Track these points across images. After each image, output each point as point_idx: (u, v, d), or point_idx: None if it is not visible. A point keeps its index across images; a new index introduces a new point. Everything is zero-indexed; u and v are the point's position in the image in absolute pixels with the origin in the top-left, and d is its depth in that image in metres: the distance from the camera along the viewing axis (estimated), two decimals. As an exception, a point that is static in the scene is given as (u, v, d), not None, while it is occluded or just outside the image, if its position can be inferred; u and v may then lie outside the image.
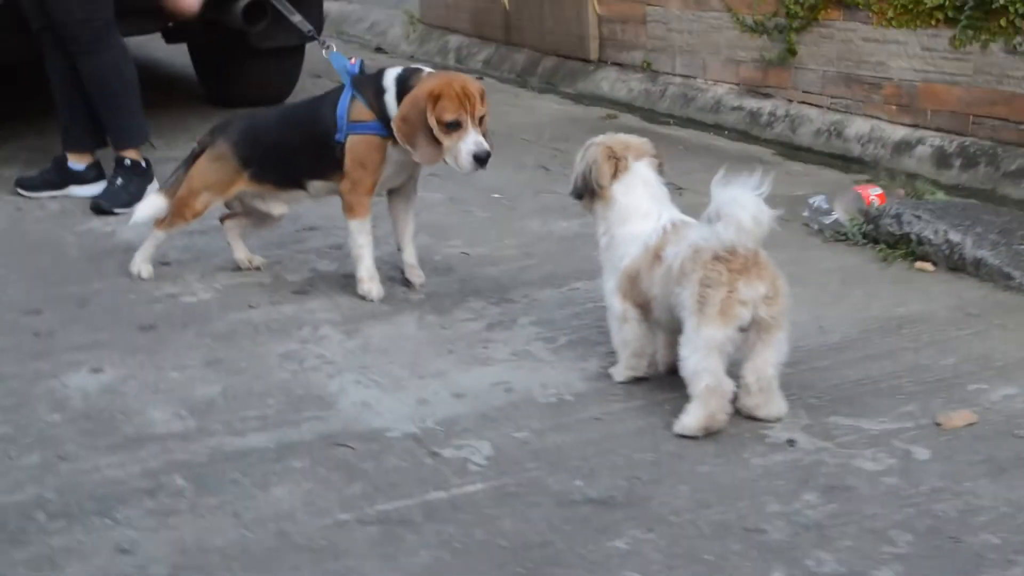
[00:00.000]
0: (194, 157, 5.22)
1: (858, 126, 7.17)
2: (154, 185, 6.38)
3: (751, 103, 7.91)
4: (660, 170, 4.20)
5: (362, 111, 4.85)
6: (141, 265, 5.33)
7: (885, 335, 4.49)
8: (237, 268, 5.38)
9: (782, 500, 3.38)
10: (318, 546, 3.25)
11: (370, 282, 5.01)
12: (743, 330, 3.72)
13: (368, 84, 4.89)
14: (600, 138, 4.25)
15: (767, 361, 3.77)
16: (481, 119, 4.69)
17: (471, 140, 4.63)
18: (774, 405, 3.84)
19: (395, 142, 4.78)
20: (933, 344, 4.40)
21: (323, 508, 3.43)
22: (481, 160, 4.64)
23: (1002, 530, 3.21)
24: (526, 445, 3.75)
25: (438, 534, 3.28)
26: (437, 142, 4.66)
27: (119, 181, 6.43)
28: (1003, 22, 6.30)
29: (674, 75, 8.65)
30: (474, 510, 3.39)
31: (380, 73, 4.91)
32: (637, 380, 4.14)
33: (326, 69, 10.54)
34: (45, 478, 3.65)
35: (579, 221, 5.83)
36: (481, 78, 9.88)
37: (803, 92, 7.64)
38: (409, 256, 5.17)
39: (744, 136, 7.70)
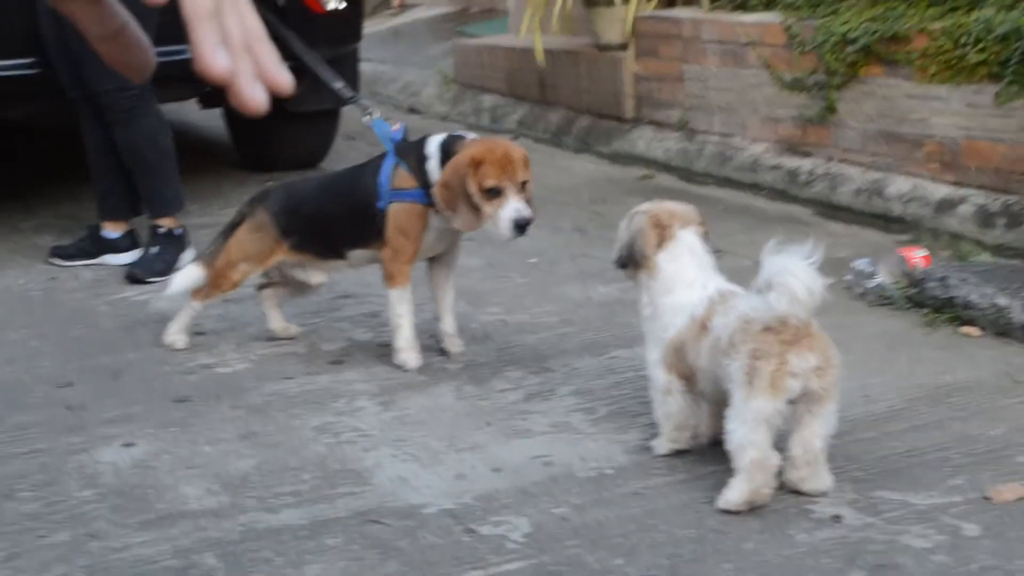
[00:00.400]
0: (233, 227, 5.19)
1: (899, 185, 7.08)
2: (190, 254, 6.36)
3: (790, 162, 7.84)
4: (706, 238, 4.12)
5: (405, 178, 4.80)
6: (176, 336, 5.28)
7: (932, 404, 4.39)
8: (272, 338, 5.32)
9: (829, 579, 3.29)
10: (353, 630, 3.17)
11: (408, 352, 4.95)
12: (792, 402, 3.63)
13: (411, 151, 4.84)
14: (645, 206, 4.16)
15: (815, 434, 3.68)
16: (524, 185, 4.63)
17: (511, 207, 4.57)
18: (820, 479, 3.74)
19: (437, 210, 4.74)
20: (981, 413, 4.30)
21: (358, 589, 3.35)
22: (521, 227, 4.57)
23: (1057, 611, 3.11)
24: (565, 522, 3.66)
25: (475, 617, 3.20)
26: (477, 209, 4.59)
27: (154, 250, 6.40)
28: (1047, 78, 6.22)
29: (711, 133, 8.59)
30: (513, 591, 3.31)
31: (423, 140, 4.86)
32: (679, 453, 4.05)
33: (360, 131, 10.53)
34: (74, 557, 3.59)
35: (618, 286, 5.75)
36: (516, 138, 9.86)
37: (843, 150, 7.56)
38: (448, 325, 5.10)
39: (782, 195, 7.62)
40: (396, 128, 4.97)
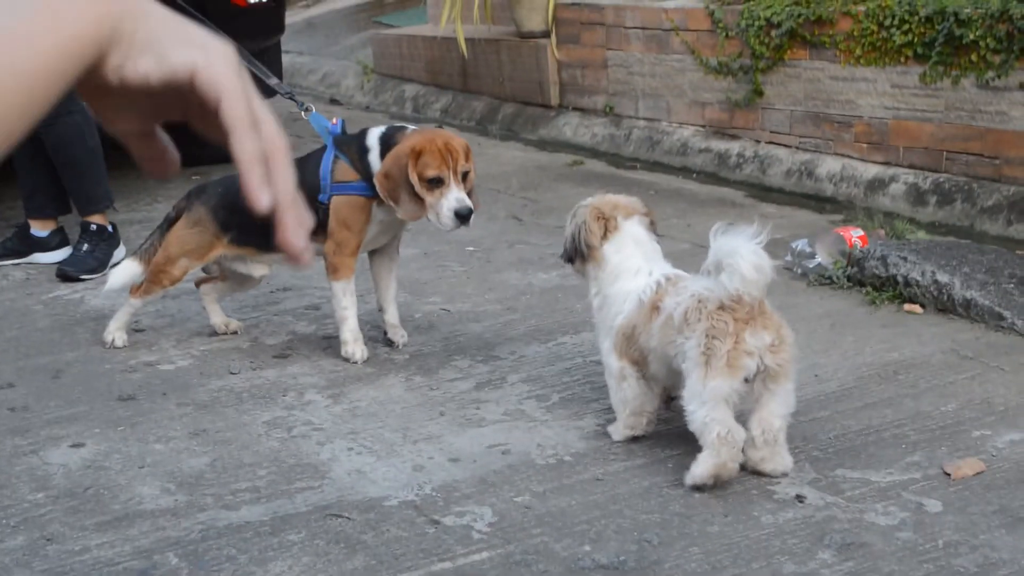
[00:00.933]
0: (169, 223, 5.11)
1: (829, 165, 7.14)
2: (121, 250, 6.28)
3: (719, 145, 7.88)
4: (651, 227, 4.14)
5: (346, 171, 4.76)
6: (115, 333, 5.21)
7: (882, 382, 4.42)
8: (214, 333, 5.27)
9: (797, 560, 3.30)
10: (324, 625, 3.14)
11: (354, 344, 4.92)
12: (748, 381, 3.64)
13: (351, 144, 4.80)
14: (589, 200, 4.18)
15: (773, 413, 3.70)
16: (465, 175, 4.60)
17: (453, 197, 4.54)
18: (780, 459, 3.76)
19: (380, 202, 4.70)
20: (932, 390, 4.34)
21: (325, 584, 3.32)
22: (463, 217, 4.54)
23: (1025, 583, 3.14)
24: (529, 510, 3.65)
25: (448, 608, 3.18)
26: (419, 199, 4.56)
27: (85, 247, 6.31)
28: (974, 57, 6.29)
29: (638, 119, 8.61)
30: (482, 581, 3.29)
31: (363, 133, 4.82)
32: (636, 438, 4.05)
33: (284, 123, 10.50)
34: (33, 562, 3.52)
35: (558, 273, 5.76)
36: (440, 126, 9.83)
37: (771, 132, 7.61)
38: (391, 316, 5.08)
39: (713, 178, 7.66)
40: (335, 122, 4.92)
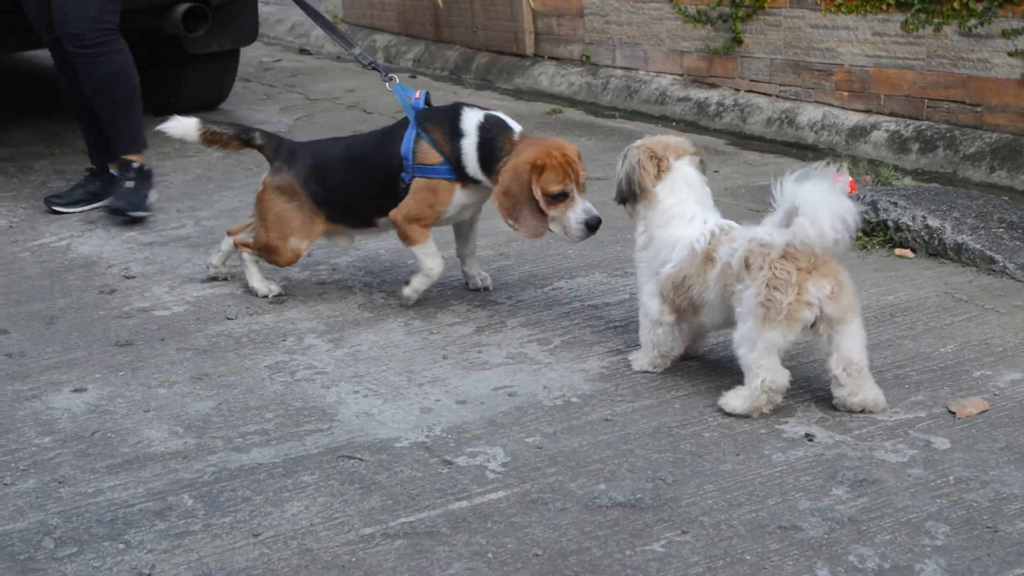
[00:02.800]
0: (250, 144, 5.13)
1: (810, 113, 7.17)
2: (154, 193, 6.29)
3: (698, 93, 7.90)
4: (702, 168, 4.15)
5: (429, 153, 4.67)
6: (261, 286, 5.13)
7: (880, 324, 4.47)
8: (210, 279, 5.27)
9: (812, 496, 3.34)
10: (346, 562, 3.16)
11: (417, 292, 4.89)
12: (804, 331, 3.68)
13: (436, 122, 4.70)
14: (640, 141, 4.17)
15: (851, 349, 3.71)
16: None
17: (580, 209, 4.48)
18: (869, 391, 3.78)
19: (464, 184, 4.66)
20: (929, 331, 4.38)
21: (343, 523, 3.34)
22: (592, 227, 4.49)
23: (1038, 517, 3.20)
24: (540, 450, 3.68)
25: (468, 545, 3.20)
26: (542, 213, 4.49)
27: (129, 184, 6.24)
28: (956, 4, 6.33)
29: (615, 67, 8.62)
30: (501, 519, 3.31)
31: (456, 113, 4.69)
32: (644, 377, 4.11)
33: (256, 73, 10.46)
34: (46, 504, 3.52)
35: (548, 219, 5.78)
36: (414, 76, 9.83)
37: (751, 81, 7.64)
38: (471, 268, 5.06)
39: (693, 127, 7.69)
40: (418, 96, 4.82)
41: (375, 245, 5.61)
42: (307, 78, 10.32)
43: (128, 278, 5.35)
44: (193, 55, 8.13)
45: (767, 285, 3.63)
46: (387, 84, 5.02)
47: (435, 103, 4.90)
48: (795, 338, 3.68)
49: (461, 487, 3.49)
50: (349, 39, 5.51)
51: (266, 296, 5.09)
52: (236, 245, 5.17)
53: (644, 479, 3.47)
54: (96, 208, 6.42)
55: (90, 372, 4.42)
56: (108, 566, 3.20)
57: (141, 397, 4.20)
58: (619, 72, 8.54)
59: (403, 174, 4.70)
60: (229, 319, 4.85)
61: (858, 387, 3.76)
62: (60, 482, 3.64)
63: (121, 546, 3.29)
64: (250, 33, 8.49)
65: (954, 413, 3.76)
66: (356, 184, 4.83)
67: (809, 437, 3.66)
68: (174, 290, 5.21)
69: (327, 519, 3.36)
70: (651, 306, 4.07)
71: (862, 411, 3.78)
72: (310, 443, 3.80)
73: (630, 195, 4.11)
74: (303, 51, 11.55)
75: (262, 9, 12.53)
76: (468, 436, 3.79)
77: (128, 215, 6.15)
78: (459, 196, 4.70)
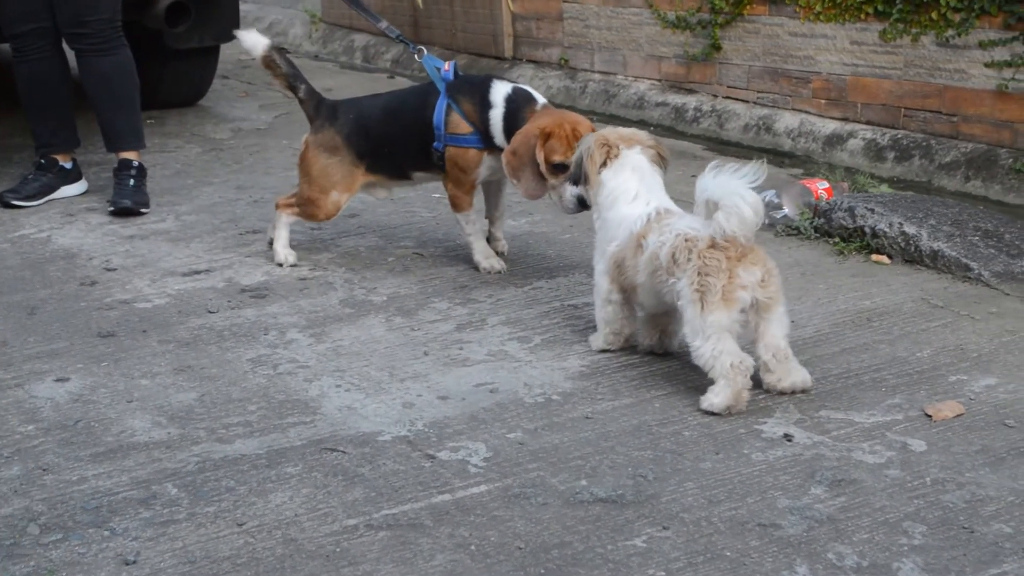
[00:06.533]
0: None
1: (787, 120, 7.23)
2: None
3: (675, 99, 7.95)
4: (658, 160, 4.34)
5: (459, 123, 4.99)
6: (283, 252, 5.39)
7: (857, 328, 4.52)
8: (189, 272, 5.29)
9: (791, 495, 3.39)
10: (330, 552, 3.19)
11: (488, 260, 5.22)
12: (743, 312, 3.82)
13: (466, 93, 5.02)
14: (599, 130, 4.42)
15: (775, 335, 3.90)
16: None
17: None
18: (796, 374, 3.95)
19: (491, 151, 4.96)
20: (906, 336, 4.44)
21: (327, 514, 3.37)
22: (585, 203, 4.62)
23: (1013, 519, 3.24)
24: (522, 446, 3.71)
25: (451, 537, 3.23)
26: (543, 179, 4.73)
27: (132, 182, 6.33)
28: (934, 15, 6.39)
29: (593, 71, 8.66)
30: (484, 512, 3.35)
31: (486, 85, 5.02)
32: (622, 378, 4.15)
33: (235, 70, 10.46)
34: (31, 491, 3.54)
35: (527, 219, 5.85)
36: (392, 77, 9.86)
37: (728, 87, 7.69)
38: (497, 230, 5.42)
39: (671, 132, 7.74)
40: (447, 68, 5.11)
41: (355, 243, 5.64)
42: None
43: (109, 270, 5.37)
44: (174, 50, 8.13)
45: (699, 273, 3.80)
46: (416, 56, 5.32)
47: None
48: (737, 319, 3.82)
49: (444, 481, 3.53)
50: (373, 14, 5.71)
51: (281, 265, 5.35)
52: (278, 206, 5.39)
53: (625, 476, 3.51)
54: (52, 200, 6.47)
55: (72, 362, 4.44)
56: (93, 552, 3.22)
57: (124, 387, 4.22)
58: (597, 76, 8.59)
59: (436, 143, 5.02)
60: (211, 312, 4.88)
61: (787, 372, 3.93)
62: (44, 470, 3.66)
63: (106, 533, 3.31)
64: (231, 29, 8.47)
65: (930, 416, 3.81)
66: (395, 137, 5.13)
67: (788, 437, 3.71)
68: (155, 283, 5.22)
69: (311, 510, 3.39)
70: (601, 284, 4.28)
71: (792, 392, 3.95)
72: (293, 435, 3.83)
73: (580, 178, 4.36)
74: (281, 49, 11.55)
75: (240, 8, 12.58)
76: (450, 431, 3.83)
77: (138, 212, 6.21)
78: (487, 160, 5.02)
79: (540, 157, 4.69)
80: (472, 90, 5.02)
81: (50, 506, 3.46)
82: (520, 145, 4.75)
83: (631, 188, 4.23)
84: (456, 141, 5.01)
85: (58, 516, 3.40)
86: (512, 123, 4.88)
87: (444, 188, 5.21)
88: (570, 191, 4.65)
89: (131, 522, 3.36)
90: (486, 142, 4.97)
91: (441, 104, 5.01)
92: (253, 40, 5.38)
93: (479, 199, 5.27)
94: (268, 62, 5.38)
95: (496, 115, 4.92)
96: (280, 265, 5.32)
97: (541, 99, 4.97)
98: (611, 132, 4.39)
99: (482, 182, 5.19)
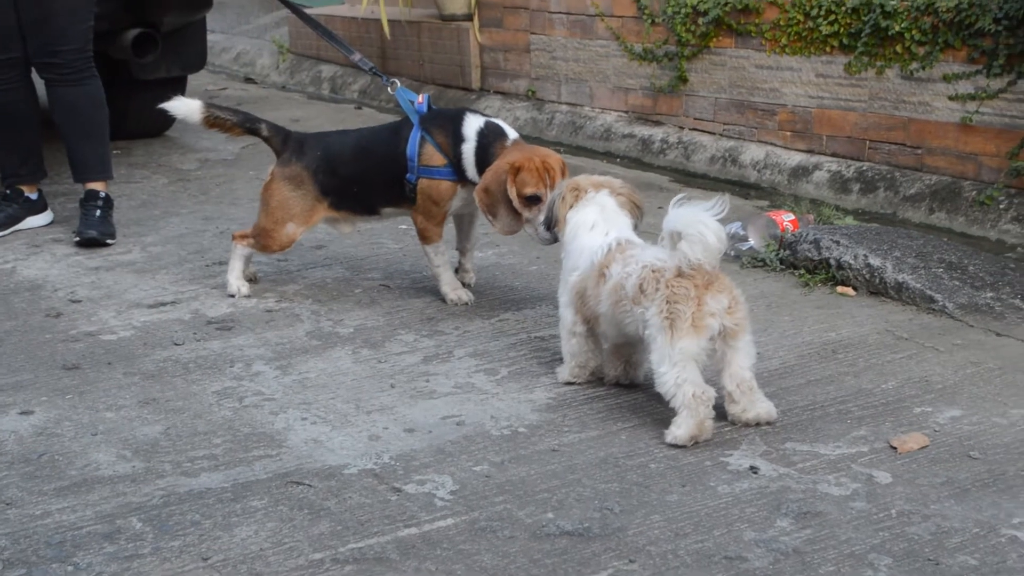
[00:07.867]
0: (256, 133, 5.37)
1: (753, 152, 7.26)
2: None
3: (642, 130, 7.97)
4: (627, 205, 4.38)
5: (433, 155, 5.02)
6: (236, 283, 5.38)
7: (822, 360, 4.54)
8: (159, 304, 5.28)
9: (757, 527, 3.39)
10: (296, 588, 3.18)
11: (455, 291, 5.23)
12: (711, 340, 3.84)
13: (439, 126, 5.05)
14: (574, 177, 4.49)
15: (741, 366, 3.92)
16: None
17: None
18: (761, 405, 3.98)
19: (464, 184, 4.99)
20: (871, 368, 4.45)
21: (293, 548, 3.35)
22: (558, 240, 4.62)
23: (977, 551, 3.25)
24: (488, 479, 3.71)
25: (418, 571, 3.23)
26: (518, 214, 4.77)
27: (98, 213, 6.29)
28: (899, 48, 6.43)
29: (560, 103, 8.68)
30: (450, 546, 3.34)
31: (459, 119, 5.04)
32: (591, 408, 4.16)
33: (203, 97, 10.43)
34: (-7, 526, 3.52)
35: (494, 251, 5.85)
36: (359, 107, 9.86)
37: (695, 119, 7.72)
38: (468, 262, 5.41)
39: (637, 163, 7.76)
40: (420, 100, 5.14)
41: (321, 274, 5.63)
42: (253, 107, 10.25)
43: (74, 302, 5.35)
44: (141, 81, 8.12)
45: (667, 301, 3.82)
46: (389, 88, 5.35)
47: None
48: (705, 347, 3.84)
49: (410, 514, 3.52)
50: (347, 45, 5.72)
51: (233, 296, 5.33)
52: (234, 237, 5.38)
53: (592, 508, 3.51)
54: (18, 231, 6.45)
55: (36, 395, 4.42)
56: (57, 588, 3.21)
57: (88, 420, 4.20)
58: (564, 108, 8.61)
59: (408, 175, 5.03)
60: (176, 344, 4.86)
61: (751, 403, 3.95)
62: (7, 504, 3.64)
63: (70, 568, 3.29)
64: (198, 60, 8.52)
65: (895, 448, 3.82)
66: (365, 175, 5.14)
67: (754, 470, 3.71)
68: (121, 315, 5.20)
69: (276, 544, 3.38)
70: (566, 316, 4.31)
71: (756, 424, 3.97)
72: (259, 468, 3.82)
73: (552, 221, 4.43)
74: (248, 80, 11.55)
75: (208, 38, 12.57)
76: (416, 464, 3.82)
77: (104, 243, 6.19)
78: (460, 192, 5.05)
79: (512, 192, 4.72)
80: (445, 123, 5.05)
81: (13, 540, 3.43)
82: (491, 182, 4.78)
83: (590, 219, 4.29)
84: (429, 173, 5.03)
85: (21, 551, 3.38)
86: (484, 157, 4.91)
87: (413, 221, 5.20)
88: (542, 233, 4.66)
89: (95, 557, 3.34)
90: (459, 175, 5.00)
91: (415, 136, 5.03)
92: (186, 108, 5.34)
93: (448, 230, 5.26)
94: (211, 122, 5.33)
95: (468, 149, 4.95)
96: (232, 296, 5.31)
97: (513, 134, 5.00)
98: (584, 178, 4.44)
99: (455, 214, 5.21)
